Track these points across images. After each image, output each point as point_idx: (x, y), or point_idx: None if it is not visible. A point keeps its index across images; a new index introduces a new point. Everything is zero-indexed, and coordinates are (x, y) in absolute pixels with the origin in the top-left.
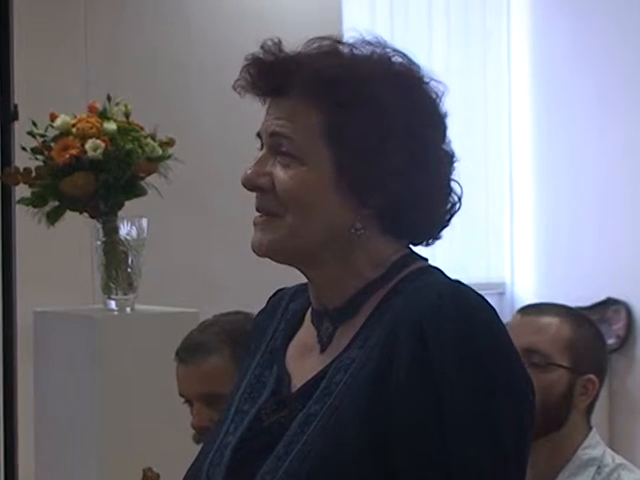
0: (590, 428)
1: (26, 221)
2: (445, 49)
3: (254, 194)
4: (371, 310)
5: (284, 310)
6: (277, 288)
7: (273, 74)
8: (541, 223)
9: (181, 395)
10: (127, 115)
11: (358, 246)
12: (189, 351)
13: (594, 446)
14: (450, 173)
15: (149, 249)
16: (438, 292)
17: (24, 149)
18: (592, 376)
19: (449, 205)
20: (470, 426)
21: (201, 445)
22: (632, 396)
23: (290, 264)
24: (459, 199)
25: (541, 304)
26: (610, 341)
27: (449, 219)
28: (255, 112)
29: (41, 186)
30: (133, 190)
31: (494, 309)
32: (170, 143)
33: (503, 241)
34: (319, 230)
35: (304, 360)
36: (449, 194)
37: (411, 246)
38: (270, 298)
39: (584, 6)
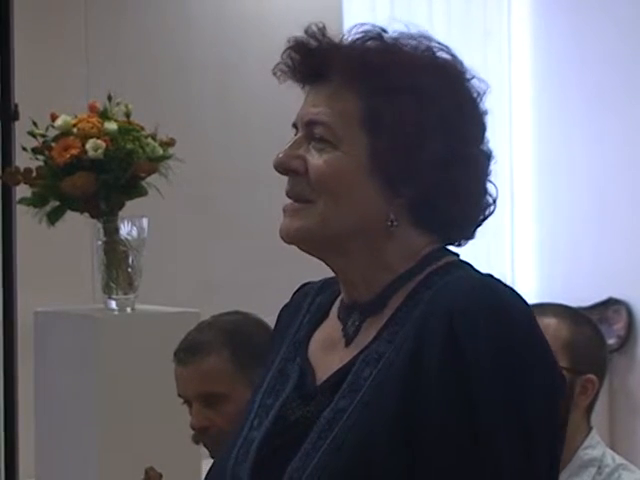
0: (590, 428)
1: (27, 221)
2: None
3: (255, 194)
4: (399, 303)
5: (310, 304)
6: (278, 289)
7: (316, 59)
8: (541, 223)
9: (180, 395)
10: (128, 115)
11: (390, 238)
12: (187, 351)
13: (594, 446)
14: (487, 174)
15: (150, 249)
16: (470, 285)
17: (25, 149)
18: (592, 376)
19: (484, 205)
20: (502, 423)
21: (200, 445)
22: (633, 396)
23: (317, 254)
24: (494, 201)
25: (540, 304)
26: (611, 341)
27: (483, 219)
28: (255, 112)
29: (42, 186)
30: (134, 190)
31: (527, 303)
32: (171, 143)
33: (504, 241)
34: (351, 218)
35: (328, 353)
36: (484, 194)
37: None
38: (295, 293)
39: (585, 6)
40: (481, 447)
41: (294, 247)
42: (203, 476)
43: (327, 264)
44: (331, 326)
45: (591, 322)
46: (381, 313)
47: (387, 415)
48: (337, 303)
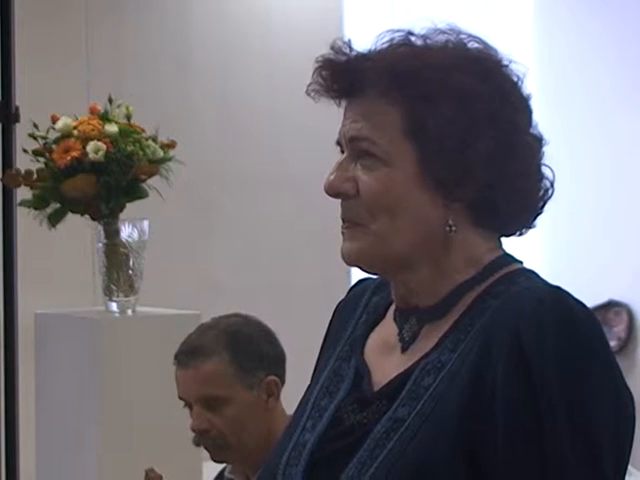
0: None
1: (27, 223)
2: None
3: (255, 196)
4: (462, 311)
5: (367, 302)
6: (278, 291)
7: (346, 74)
8: (542, 225)
9: (180, 398)
10: (128, 117)
11: (452, 244)
12: (188, 354)
13: None
14: (540, 158)
15: (150, 251)
16: (538, 297)
17: (25, 151)
18: None
19: (542, 191)
20: (569, 436)
21: (201, 448)
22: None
23: (382, 273)
24: (551, 184)
25: None
26: (611, 343)
27: (542, 206)
28: (257, 115)
29: (42, 188)
30: (134, 192)
31: (595, 316)
32: (171, 145)
33: (504, 242)
34: (409, 233)
35: (384, 357)
36: (541, 180)
37: (503, 237)
38: (352, 288)
39: (587, 5)
40: (547, 464)
41: (294, 249)
42: (203, 479)
43: (389, 279)
44: (387, 329)
45: None
46: (442, 320)
47: (448, 428)
48: (394, 305)
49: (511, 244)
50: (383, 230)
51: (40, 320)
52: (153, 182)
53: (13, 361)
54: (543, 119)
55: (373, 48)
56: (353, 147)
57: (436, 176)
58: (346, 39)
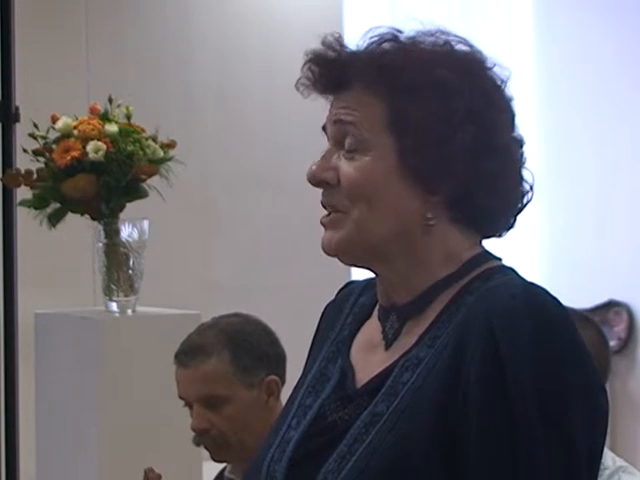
0: None
1: (27, 223)
2: None
3: (256, 196)
4: (441, 308)
5: (353, 304)
6: (278, 291)
7: (336, 69)
8: (542, 225)
9: (181, 398)
10: (128, 117)
11: (430, 239)
12: (188, 354)
13: None
14: (521, 161)
15: (150, 251)
16: (511, 293)
17: (25, 151)
18: None
19: (521, 193)
20: (543, 434)
21: (201, 447)
22: (633, 398)
23: (361, 263)
24: (531, 187)
25: None
26: (611, 343)
27: (521, 209)
28: (257, 114)
29: (42, 188)
30: (134, 192)
31: (568, 311)
32: (171, 145)
33: (504, 242)
34: (387, 222)
35: (368, 356)
36: (520, 182)
37: (484, 239)
38: (340, 290)
39: (587, 5)
40: (520, 456)
41: (294, 249)
42: (204, 478)
43: (371, 271)
44: (372, 328)
45: (595, 324)
46: (422, 318)
47: (425, 420)
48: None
49: (510, 245)
50: (361, 218)
51: (40, 320)
52: (153, 182)
53: (13, 361)
54: (544, 120)
55: (361, 44)
56: (337, 133)
57: (415, 168)
58: (337, 35)
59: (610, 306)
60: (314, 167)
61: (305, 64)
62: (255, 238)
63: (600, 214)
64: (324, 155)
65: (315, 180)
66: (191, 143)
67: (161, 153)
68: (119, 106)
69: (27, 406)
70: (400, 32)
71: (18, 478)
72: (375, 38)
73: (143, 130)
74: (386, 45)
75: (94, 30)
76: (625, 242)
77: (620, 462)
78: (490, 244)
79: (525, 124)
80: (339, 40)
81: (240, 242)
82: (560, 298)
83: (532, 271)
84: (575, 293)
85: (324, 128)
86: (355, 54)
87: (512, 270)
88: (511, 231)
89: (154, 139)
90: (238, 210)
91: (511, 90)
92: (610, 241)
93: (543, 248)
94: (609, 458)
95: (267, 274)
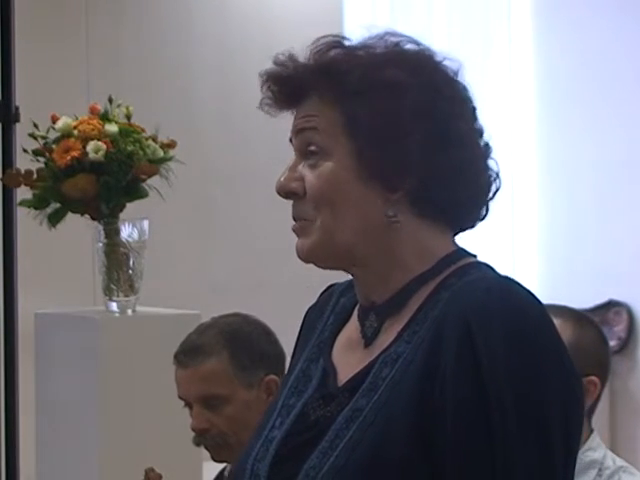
0: (591, 430)
1: (27, 223)
2: (446, 49)
3: (256, 196)
4: (418, 305)
5: (334, 304)
6: (278, 291)
7: (291, 85)
8: (542, 225)
9: (180, 398)
10: (128, 117)
11: (398, 236)
12: (187, 354)
13: (595, 448)
14: (481, 149)
15: (150, 251)
16: (486, 287)
17: (25, 151)
18: (594, 377)
19: (486, 182)
20: (518, 424)
21: (201, 447)
22: (634, 398)
23: (336, 267)
24: (497, 175)
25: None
26: (611, 343)
27: (491, 197)
28: (257, 115)
29: (42, 188)
30: (134, 192)
31: (543, 305)
32: (171, 145)
33: (504, 243)
34: (351, 225)
35: (349, 355)
36: (483, 170)
37: (458, 232)
38: (322, 293)
39: (587, 5)
40: (495, 446)
41: (294, 249)
42: (204, 478)
43: (348, 273)
44: (352, 327)
45: (594, 324)
46: (400, 315)
47: (403, 414)
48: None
49: (510, 245)
50: (327, 223)
51: (40, 320)
52: (153, 182)
53: (13, 361)
54: (545, 120)
55: (310, 55)
56: (301, 142)
57: (372, 168)
58: (286, 53)
59: (610, 306)
60: (282, 179)
61: (263, 85)
62: (254, 238)
63: (600, 214)
64: (290, 166)
65: (283, 191)
66: (191, 143)
67: (161, 153)
68: (119, 106)
69: (27, 406)
70: (346, 39)
71: (18, 478)
72: (321, 46)
73: (143, 130)
74: (332, 52)
75: (94, 30)
76: (625, 242)
77: (620, 462)
78: (489, 244)
79: (525, 124)
80: (291, 57)
81: (239, 242)
82: (560, 298)
83: (532, 271)
84: (575, 293)
85: (291, 140)
86: (306, 66)
87: (487, 266)
88: (511, 231)
89: (154, 139)
90: (238, 210)
91: (466, 79)
92: (610, 241)
93: (543, 248)
94: (609, 458)
95: (267, 274)
